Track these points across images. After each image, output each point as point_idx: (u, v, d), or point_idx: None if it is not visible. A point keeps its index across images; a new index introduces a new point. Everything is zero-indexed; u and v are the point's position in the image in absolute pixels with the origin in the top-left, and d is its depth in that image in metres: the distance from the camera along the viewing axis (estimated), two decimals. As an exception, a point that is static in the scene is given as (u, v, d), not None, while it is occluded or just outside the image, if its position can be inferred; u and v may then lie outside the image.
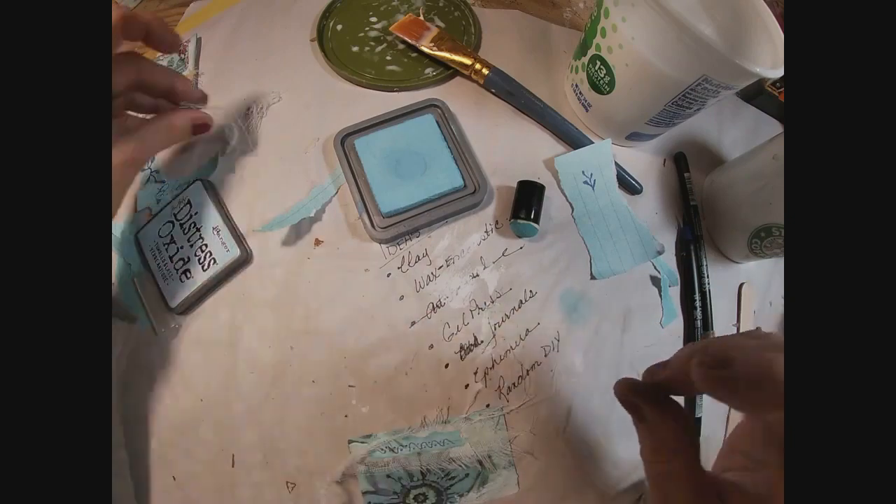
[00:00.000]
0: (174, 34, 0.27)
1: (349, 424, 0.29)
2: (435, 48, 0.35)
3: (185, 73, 0.38)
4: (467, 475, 0.28)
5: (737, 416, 0.32)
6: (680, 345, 0.32)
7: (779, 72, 0.25)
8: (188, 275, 0.30)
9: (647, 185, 0.35)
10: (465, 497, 0.28)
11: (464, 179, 0.32)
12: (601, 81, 0.31)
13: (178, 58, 0.39)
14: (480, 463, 0.28)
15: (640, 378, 0.21)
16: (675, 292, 0.33)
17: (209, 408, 0.29)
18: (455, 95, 0.36)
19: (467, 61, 0.35)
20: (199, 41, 0.40)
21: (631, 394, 0.20)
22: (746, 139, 0.38)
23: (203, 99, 0.31)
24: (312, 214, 0.32)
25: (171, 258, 0.31)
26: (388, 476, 0.28)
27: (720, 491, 0.17)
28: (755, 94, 0.39)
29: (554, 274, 0.32)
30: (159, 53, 0.40)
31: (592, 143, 0.34)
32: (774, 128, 0.39)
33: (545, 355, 0.30)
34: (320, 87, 0.37)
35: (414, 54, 0.37)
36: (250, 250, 0.31)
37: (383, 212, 0.30)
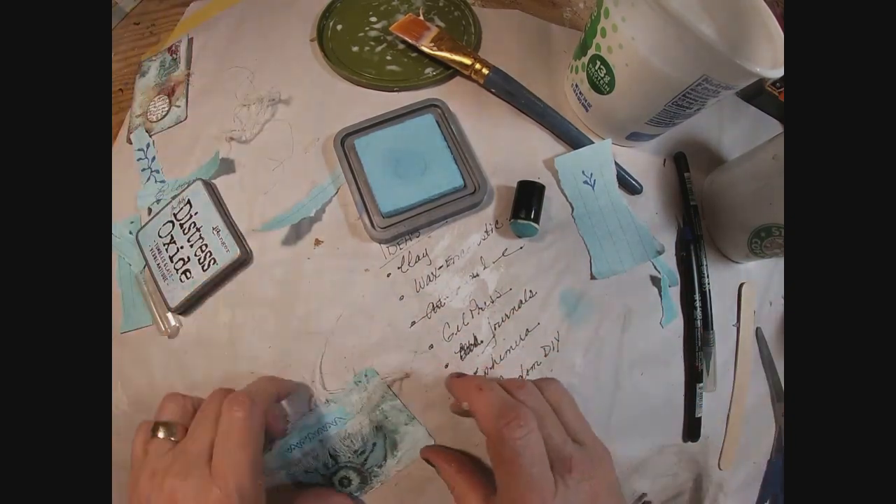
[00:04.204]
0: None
1: (349, 424, 0.28)
2: (435, 48, 0.35)
3: (176, 74, 0.38)
4: (375, 444, 0.28)
5: (738, 415, 0.32)
6: (680, 345, 0.32)
7: (779, 72, 0.25)
8: (188, 275, 0.30)
9: (647, 185, 0.35)
10: (385, 466, 0.28)
11: (464, 179, 0.32)
12: (601, 81, 0.31)
13: (170, 58, 0.39)
14: (378, 428, 0.28)
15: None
16: (675, 292, 0.33)
17: (209, 408, 0.29)
18: (455, 95, 0.36)
19: (467, 61, 0.35)
20: (190, 41, 0.40)
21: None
22: (746, 139, 0.38)
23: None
24: (312, 214, 0.32)
25: (171, 258, 0.31)
26: (307, 472, 0.28)
27: None
28: (755, 94, 0.39)
29: (554, 274, 0.32)
30: (147, 56, 0.40)
31: (592, 143, 0.34)
32: (774, 128, 0.39)
33: (545, 355, 0.30)
34: (320, 87, 0.36)
35: (414, 54, 0.37)
36: (250, 250, 0.31)
37: (383, 212, 0.30)
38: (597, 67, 0.30)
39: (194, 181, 0.32)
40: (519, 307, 0.31)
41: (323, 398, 0.28)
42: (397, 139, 0.32)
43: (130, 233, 0.33)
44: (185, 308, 0.30)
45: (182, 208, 0.32)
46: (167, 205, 0.32)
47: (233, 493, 0.19)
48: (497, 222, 0.33)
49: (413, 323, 0.30)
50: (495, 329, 0.30)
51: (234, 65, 0.38)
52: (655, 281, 0.33)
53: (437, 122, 0.33)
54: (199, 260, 0.30)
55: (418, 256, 0.31)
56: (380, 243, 0.32)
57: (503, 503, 0.21)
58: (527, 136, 0.35)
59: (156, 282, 0.31)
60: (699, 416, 0.31)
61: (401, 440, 0.28)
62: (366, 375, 0.28)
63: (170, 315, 0.31)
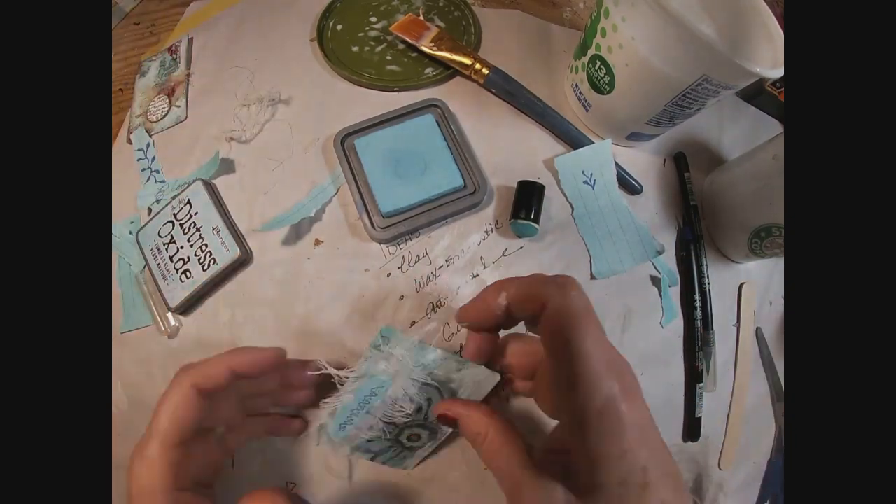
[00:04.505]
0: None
1: (349, 424, 0.28)
2: (435, 48, 0.35)
3: (176, 74, 0.38)
4: (430, 399, 0.25)
5: (738, 415, 0.32)
6: (680, 344, 0.32)
7: (779, 72, 0.25)
8: (188, 275, 0.30)
9: (647, 185, 0.35)
10: None
11: (464, 179, 0.32)
12: (601, 81, 0.31)
13: (170, 58, 0.39)
14: (426, 385, 0.24)
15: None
16: (675, 292, 0.33)
17: (209, 408, 0.29)
18: (455, 95, 0.36)
19: (467, 61, 0.35)
20: (190, 41, 0.40)
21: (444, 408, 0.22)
22: (746, 139, 0.38)
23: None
24: (312, 214, 0.32)
25: (171, 258, 0.31)
26: (370, 441, 0.26)
27: (556, 460, 0.18)
28: (755, 94, 0.39)
29: (554, 274, 0.32)
30: (147, 56, 0.40)
31: (592, 143, 0.34)
32: (774, 128, 0.39)
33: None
34: (320, 87, 0.37)
35: (414, 54, 0.37)
36: (250, 250, 0.31)
37: (383, 212, 0.30)
38: (597, 67, 0.30)
39: (194, 181, 0.32)
40: (519, 307, 0.31)
41: (351, 378, 0.25)
42: (397, 139, 0.32)
43: (130, 233, 0.33)
44: (185, 308, 0.30)
45: (182, 208, 0.32)
46: (167, 205, 0.32)
47: None
48: (497, 222, 0.33)
49: (413, 323, 0.30)
50: (495, 329, 0.30)
51: (234, 65, 0.38)
52: (655, 281, 0.33)
53: (437, 122, 0.33)
54: (199, 260, 0.30)
55: (418, 256, 0.31)
56: (380, 243, 0.32)
57: (570, 399, 0.16)
58: (527, 136, 0.35)
59: (156, 282, 0.31)
60: (699, 416, 0.31)
61: (458, 387, 0.24)
62: (382, 337, 0.23)
63: (170, 315, 0.31)
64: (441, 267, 0.31)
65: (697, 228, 0.34)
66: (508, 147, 0.35)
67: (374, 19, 0.39)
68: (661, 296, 0.32)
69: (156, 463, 0.21)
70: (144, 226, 0.32)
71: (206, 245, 0.31)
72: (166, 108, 0.37)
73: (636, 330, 0.32)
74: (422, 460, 0.28)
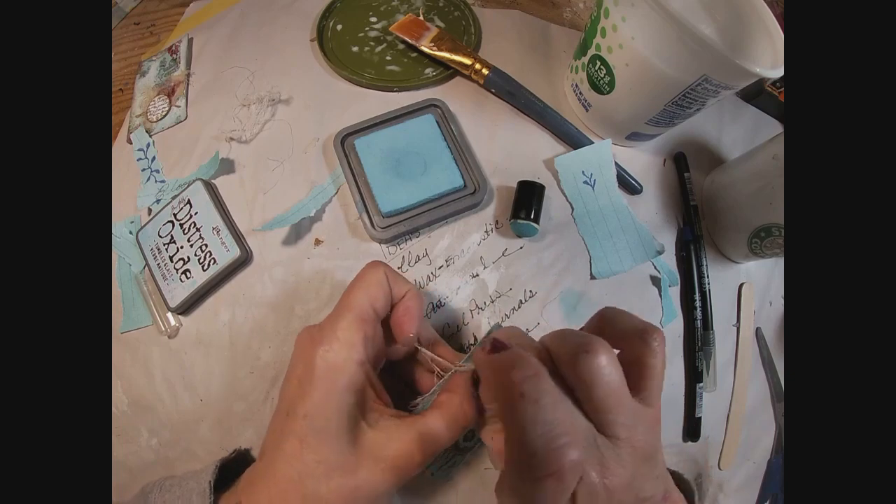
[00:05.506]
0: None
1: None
2: (435, 48, 0.35)
3: (176, 74, 0.38)
4: None
5: (738, 415, 0.32)
6: (680, 345, 0.32)
7: (779, 72, 0.25)
8: (188, 275, 0.30)
9: (647, 185, 0.35)
10: None
11: (464, 179, 0.32)
12: (601, 81, 0.31)
13: (170, 58, 0.39)
14: None
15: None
16: (675, 292, 0.33)
17: (209, 408, 0.29)
18: (455, 95, 0.36)
19: (467, 61, 0.35)
20: (190, 41, 0.40)
21: None
22: (746, 139, 0.38)
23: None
24: (312, 214, 0.32)
25: (171, 258, 0.31)
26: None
27: None
28: (755, 94, 0.39)
29: (554, 274, 0.32)
30: (147, 56, 0.40)
31: (592, 143, 0.34)
32: (774, 128, 0.39)
33: (545, 355, 0.30)
34: (320, 87, 0.36)
35: (414, 54, 0.37)
36: (250, 250, 0.31)
37: (383, 212, 0.30)
38: (597, 67, 0.30)
39: (194, 181, 0.32)
40: (519, 307, 0.31)
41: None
42: (397, 139, 0.32)
43: (130, 233, 0.33)
44: (185, 308, 0.30)
45: (182, 208, 0.32)
46: (167, 205, 0.32)
47: None
48: (497, 222, 0.33)
49: (413, 323, 0.30)
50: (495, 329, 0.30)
51: (234, 65, 0.38)
52: (655, 281, 0.33)
53: (437, 122, 0.33)
54: (199, 260, 0.30)
55: (418, 256, 0.31)
56: (380, 243, 0.32)
57: None
58: (527, 136, 0.35)
59: (156, 282, 0.31)
60: (699, 416, 0.31)
61: None
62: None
63: (170, 315, 0.31)
64: (441, 267, 0.31)
65: (697, 228, 0.34)
66: (508, 147, 0.35)
67: (374, 19, 0.39)
68: (660, 296, 0.32)
69: (350, 336, 0.20)
70: (144, 226, 0.32)
71: (206, 245, 0.31)
72: (166, 108, 0.37)
73: (636, 330, 0.32)
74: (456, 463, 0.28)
